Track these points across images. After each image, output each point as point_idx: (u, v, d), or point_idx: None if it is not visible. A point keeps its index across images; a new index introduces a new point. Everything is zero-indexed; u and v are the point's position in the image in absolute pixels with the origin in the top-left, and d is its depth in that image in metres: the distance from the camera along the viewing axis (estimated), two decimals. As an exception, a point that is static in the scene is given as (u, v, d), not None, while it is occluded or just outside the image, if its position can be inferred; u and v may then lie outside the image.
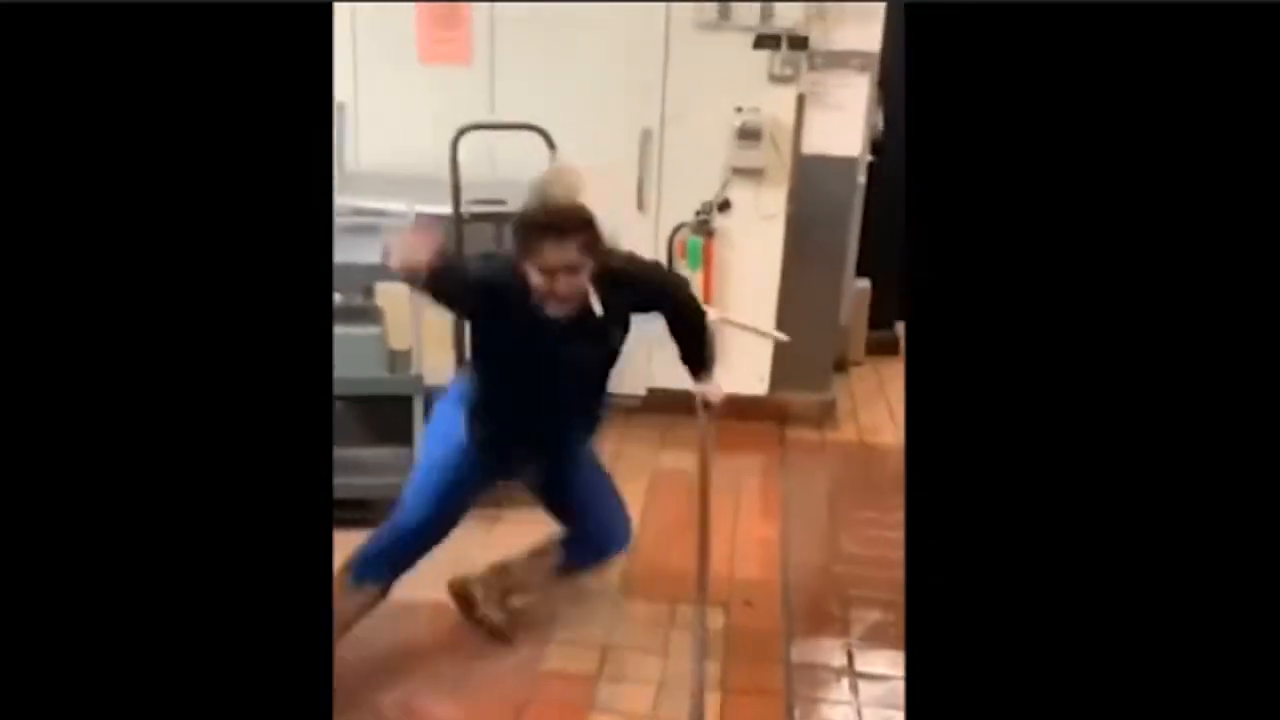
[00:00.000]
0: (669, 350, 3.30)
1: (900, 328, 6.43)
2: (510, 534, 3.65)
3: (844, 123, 4.85)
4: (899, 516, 4.21)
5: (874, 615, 3.52)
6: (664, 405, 4.76)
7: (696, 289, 4.79)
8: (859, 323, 6.04)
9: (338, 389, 3.92)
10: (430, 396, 3.84)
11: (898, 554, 3.86)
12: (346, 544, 3.67)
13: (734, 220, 4.89)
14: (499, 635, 3.22)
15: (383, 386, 3.90)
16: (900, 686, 3.11)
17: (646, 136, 4.86)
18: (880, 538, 4.06)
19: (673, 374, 3.51)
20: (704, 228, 4.87)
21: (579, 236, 2.76)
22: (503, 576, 3.28)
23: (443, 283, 2.78)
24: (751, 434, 4.91)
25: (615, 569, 3.65)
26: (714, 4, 4.59)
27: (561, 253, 2.72)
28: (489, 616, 3.21)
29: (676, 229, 4.90)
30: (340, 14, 4.78)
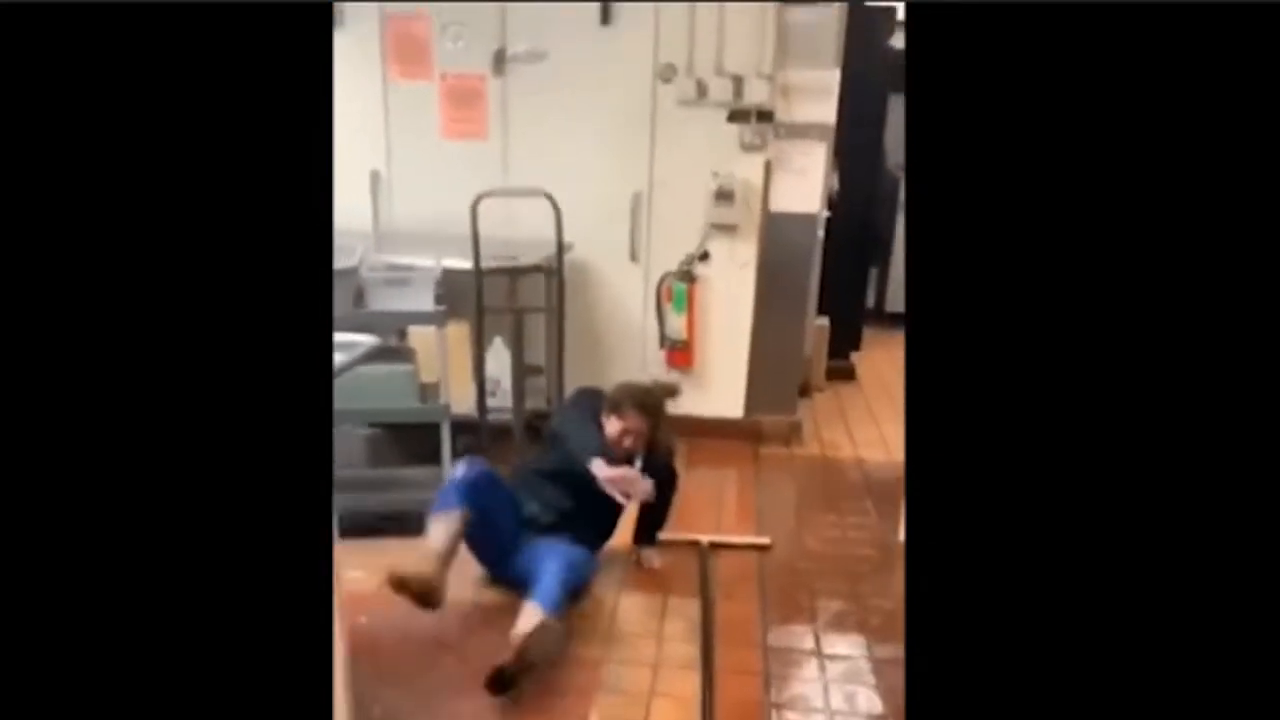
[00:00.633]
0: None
1: (854, 357, 6.47)
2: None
3: (805, 184, 4.87)
4: (856, 519, 4.26)
5: (836, 605, 3.52)
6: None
7: (681, 329, 4.85)
8: (820, 354, 6.04)
9: (375, 417, 3.96)
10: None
11: (856, 551, 3.92)
12: (380, 551, 3.71)
13: (713, 269, 4.90)
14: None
15: (415, 415, 3.91)
16: (861, 665, 3.14)
17: (637, 198, 4.87)
18: (841, 538, 4.09)
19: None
20: (687, 275, 4.88)
21: (653, 417, 3.53)
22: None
23: None
24: (729, 451, 4.93)
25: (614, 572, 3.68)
26: (692, 84, 4.63)
27: (638, 422, 3.48)
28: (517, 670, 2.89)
29: (664, 277, 4.90)
30: (373, 95, 4.85)
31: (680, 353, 4.92)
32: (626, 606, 3.47)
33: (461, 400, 3.99)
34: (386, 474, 4.00)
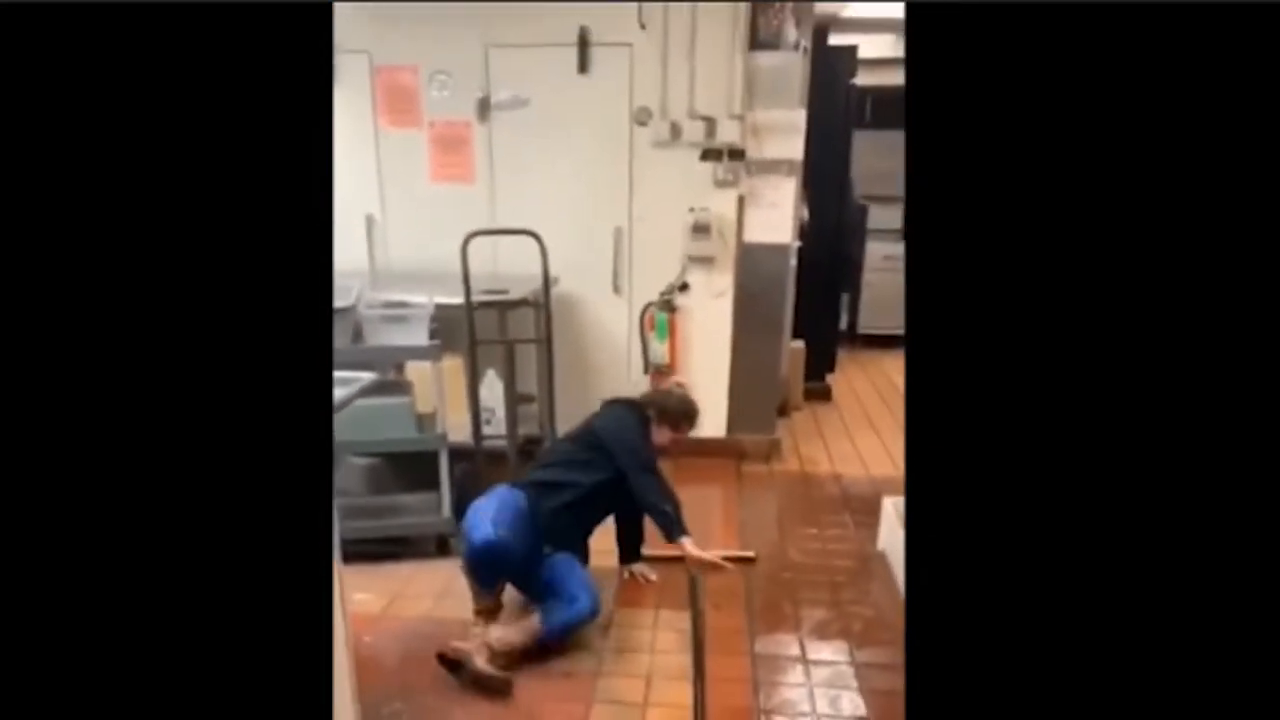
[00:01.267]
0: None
1: (829, 378, 6.49)
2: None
3: (776, 217, 4.90)
4: (835, 531, 4.26)
5: (819, 613, 3.52)
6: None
7: (664, 355, 4.87)
8: (796, 375, 6.07)
9: (376, 448, 3.95)
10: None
11: (835, 562, 3.92)
12: (389, 574, 3.72)
13: (692, 298, 4.94)
14: (497, 687, 2.97)
15: (413, 445, 3.90)
16: (845, 669, 3.13)
17: (619, 234, 4.90)
18: (821, 549, 4.09)
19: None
20: (668, 305, 4.91)
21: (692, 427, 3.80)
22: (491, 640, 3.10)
23: None
24: (714, 468, 4.94)
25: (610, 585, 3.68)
26: (667, 126, 4.67)
27: (683, 433, 3.77)
28: (484, 671, 2.98)
29: (646, 306, 4.93)
30: (366, 143, 4.87)
31: (664, 378, 4.93)
32: (620, 621, 3.47)
33: (458, 429, 3.99)
34: (388, 501, 3.99)
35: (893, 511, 3.86)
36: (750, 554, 3.98)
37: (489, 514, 3.19)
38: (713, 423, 4.98)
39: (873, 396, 6.56)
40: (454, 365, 4.25)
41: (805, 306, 5.85)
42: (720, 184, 4.76)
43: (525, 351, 4.50)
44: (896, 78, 7.68)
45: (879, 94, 7.79)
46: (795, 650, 3.27)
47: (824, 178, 5.86)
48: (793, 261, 5.15)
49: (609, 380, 5.01)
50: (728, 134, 4.68)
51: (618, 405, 3.70)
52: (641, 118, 4.71)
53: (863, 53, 6.29)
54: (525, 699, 2.94)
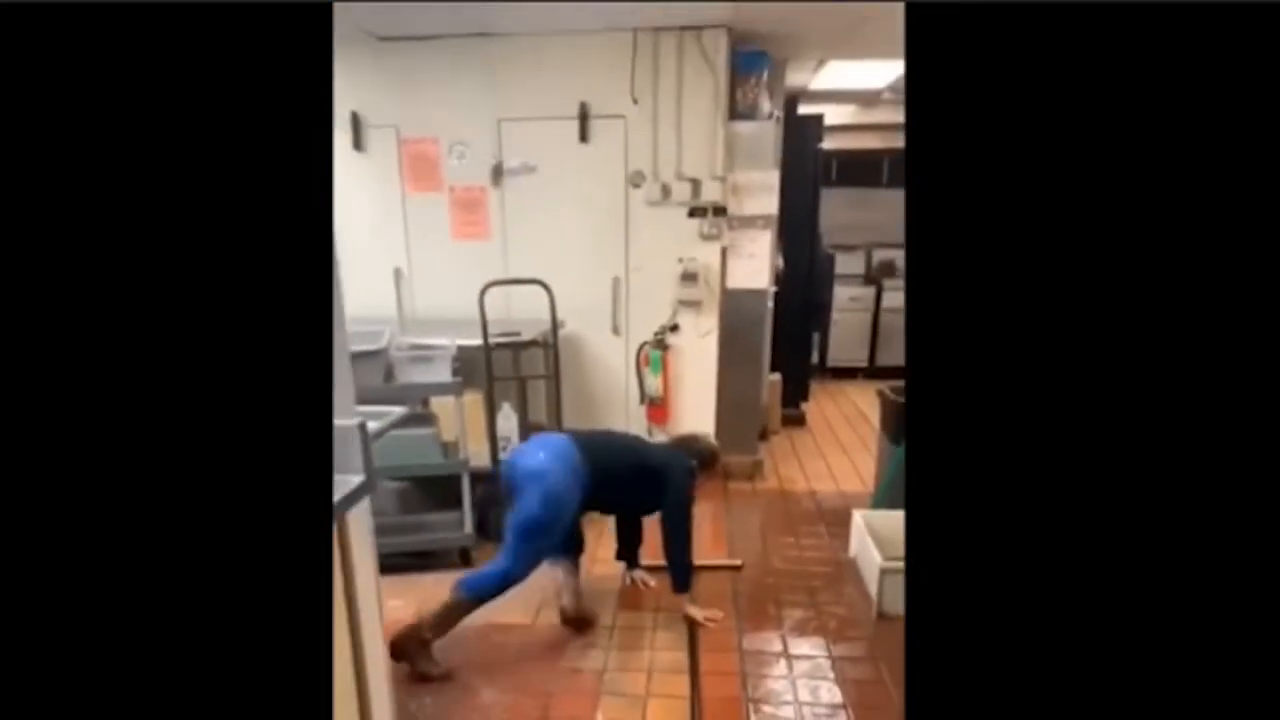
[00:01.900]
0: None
1: (804, 406, 6.51)
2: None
3: (755, 265, 4.95)
4: (811, 541, 4.27)
5: (799, 613, 3.53)
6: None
7: (658, 388, 4.88)
8: (774, 404, 6.08)
9: (406, 472, 3.97)
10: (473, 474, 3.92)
11: (812, 568, 3.94)
12: (419, 584, 3.72)
13: (682, 338, 4.95)
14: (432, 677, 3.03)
15: (438, 469, 3.91)
16: (823, 662, 3.14)
17: (617, 282, 4.93)
18: (799, 556, 4.10)
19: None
20: (661, 344, 4.93)
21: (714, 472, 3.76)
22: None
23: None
24: (703, 486, 4.79)
25: (613, 591, 3.68)
26: (658, 187, 4.72)
27: (705, 478, 3.65)
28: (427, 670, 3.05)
29: (641, 345, 4.95)
30: (394, 206, 4.92)
31: (658, 408, 4.96)
32: (623, 622, 3.48)
33: (478, 455, 4.00)
34: (416, 519, 4.00)
35: (861, 523, 3.87)
36: (738, 562, 3.99)
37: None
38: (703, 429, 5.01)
39: (841, 422, 6.58)
40: (474, 400, 4.26)
41: (781, 343, 5.89)
42: (706, 237, 4.79)
43: (536, 386, 4.53)
44: (858, 141, 7.80)
45: (843, 156, 7.91)
46: (778, 646, 3.28)
47: (796, 230, 5.91)
48: (770, 304, 5.20)
49: (610, 410, 5.04)
50: (711, 193, 4.73)
51: (680, 453, 3.58)
52: (636, 180, 4.76)
53: (828, 120, 6.35)
54: (538, 692, 2.95)
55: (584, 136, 4.73)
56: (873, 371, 7.78)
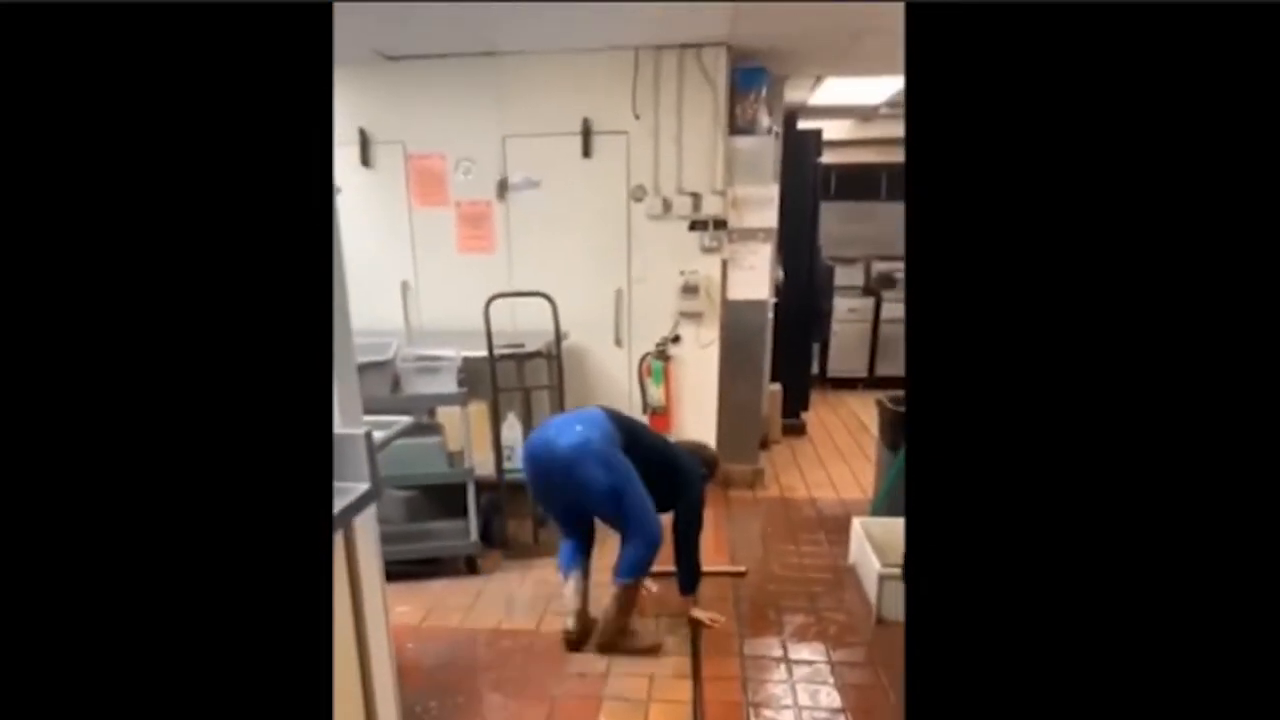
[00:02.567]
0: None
1: (804, 415, 6.52)
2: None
3: (755, 277, 4.96)
4: (811, 548, 4.27)
5: (799, 619, 3.53)
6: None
7: (661, 398, 4.89)
8: (774, 414, 6.09)
9: (412, 481, 3.98)
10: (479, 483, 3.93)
11: (812, 575, 3.94)
12: (425, 590, 3.73)
13: (684, 349, 4.96)
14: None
15: (444, 478, 3.92)
16: (822, 667, 3.14)
17: (619, 294, 4.95)
18: (798, 564, 4.11)
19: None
20: (663, 355, 4.94)
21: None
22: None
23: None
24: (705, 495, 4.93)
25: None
26: (660, 201, 4.74)
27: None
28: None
29: (644, 356, 4.96)
30: (401, 221, 4.95)
31: (660, 417, 4.96)
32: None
33: (483, 464, 4.02)
34: (423, 527, 4.02)
35: (861, 530, 3.88)
36: (742, 569, 4.00)
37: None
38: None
39: (841, 431, 6.59)
40: (479, 409, 4.28)
41: (781, 354, 5.90)
42: (706, 250, 4.81)
43: (540, 397, 4.55)
44: (856, 156, 7.83)
45: (841, 170, 7.94)
46: (779, 651, 3.29)
47: (795, 243, 5.93)
48: (770, 315, 5.21)
49: (613, 420, 5.04)
50: (712, 207, 4.75)
51: (695, 460, 3.55)
52: (637, 194, 4.79)
53: (826, 135, 6.37)
54: (542, 697, 2.96)
55: (587, 152, 4.76)
56: (872, 382, 7.79)
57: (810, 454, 5.97)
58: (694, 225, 4.79)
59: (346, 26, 3.86)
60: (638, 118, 4.66)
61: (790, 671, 3.14)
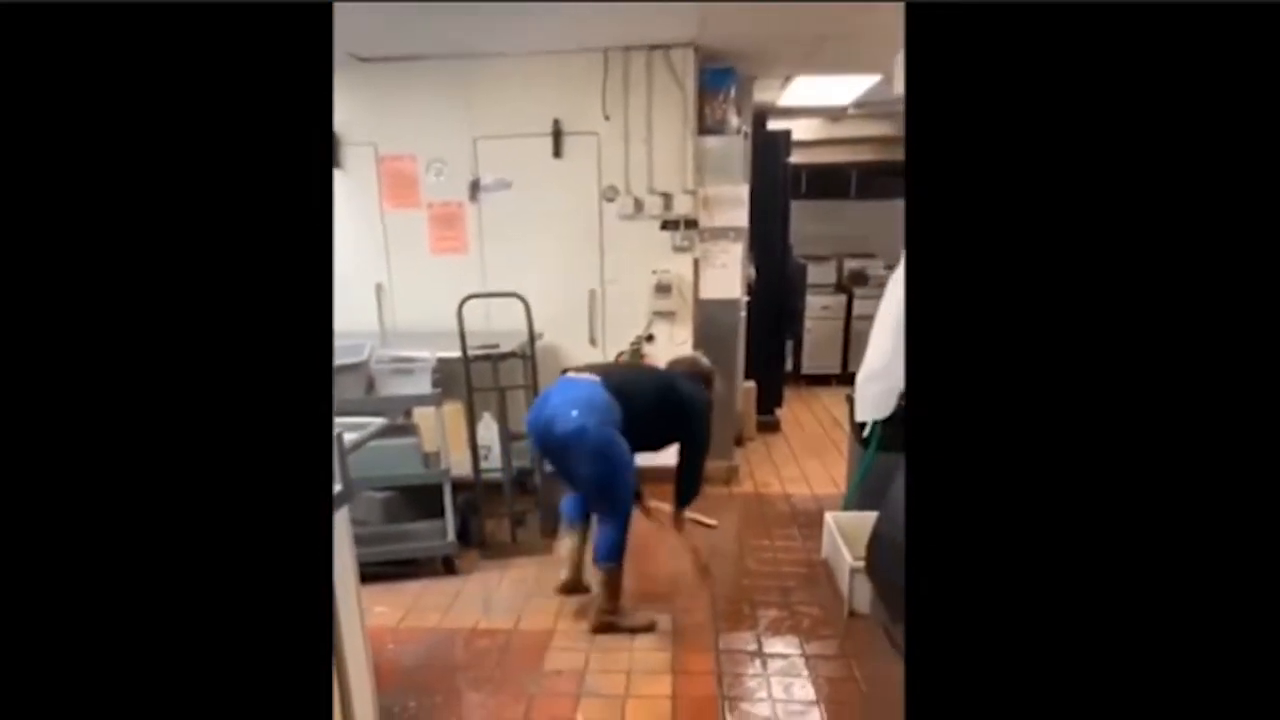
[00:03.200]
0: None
1: (778, 412, 6.54)
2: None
3: (727, 276, 4.99)
4: (785, 543, 4.29)
5: (773, 613, 3.54)
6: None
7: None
8: (749, 411, 6.11)
9: (389, 482, 3.97)
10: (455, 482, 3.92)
11: (786, 570, 3.96)
12: (403, 591, 3.72)
13: (658, 348, 4.96)
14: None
15: (420, 479, 3.91)
16: (796, 661, 3.16)
17: (592, 294, 4.95)
18: (773, 559, 4.12)
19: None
20: (637, 353, 4.94)
21: None
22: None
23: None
24: None
25: (594, 594, 3.69)
26: (631, 201, 4.76)
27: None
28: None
29: (618, 355, 4.96)
30: (373, 223, 4.93)
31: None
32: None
33: (459, 464, 4.01)
34: (400, 528, 4.00)
35: (833, 525, 3.90)
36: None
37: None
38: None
39: (815, 427, 6.62)
40: (454, 410, 4.28)
41: (755, 351, 5.91)
42: (678, 249, 4.83)
43: (515, 396, 4.53)
44: (826, 156, 7.86)
45: (811, 169, 7.97)
46: (753, 645, 3.30)
47: (767, 241, 5.95)
48: (743, 314, 5.22)
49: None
50: (683, 207, 4.77)
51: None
52: (609, 194, 4.80)
53: (796, 135, 6.40)
54: (519, 694, 2.95)
55: (558, 152, 4.76)
56: (845, 378, 7.82)
57: (784, 450, 6.00)
58: (665, 225, 4.80)
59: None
60: (608, 118, 4.67)
61: (765, 665, 3.15)
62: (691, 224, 4.79)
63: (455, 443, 4.06)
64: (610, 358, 4.97)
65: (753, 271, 5.66)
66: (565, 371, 3.59)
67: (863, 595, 3.45)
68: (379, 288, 5.07)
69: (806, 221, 7.73)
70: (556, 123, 4.71)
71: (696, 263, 4.88)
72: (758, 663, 3.17)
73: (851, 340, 7.87)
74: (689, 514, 3.85)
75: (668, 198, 4.76)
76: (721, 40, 4.50)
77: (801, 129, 7.07)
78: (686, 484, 3.67)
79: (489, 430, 4.40)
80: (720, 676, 3.07)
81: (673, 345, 4.92)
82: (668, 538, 4.03)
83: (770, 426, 6.43)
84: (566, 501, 3.78)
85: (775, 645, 3.30)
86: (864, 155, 7.75)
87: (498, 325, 4.61)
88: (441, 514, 3.92)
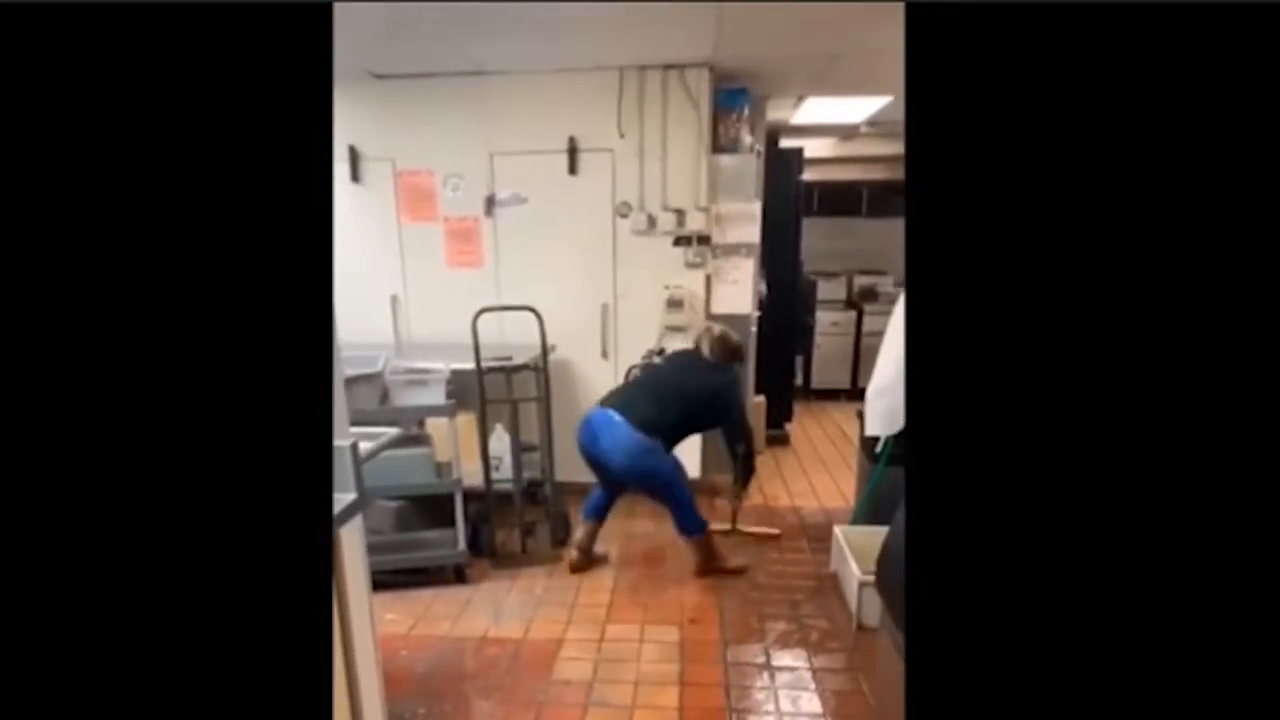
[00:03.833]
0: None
1: (788, 426, 6.53)
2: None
3: (738, 291, 4.99)
4: (794, 556, 4.28)
5: (781, 626, 3.54)
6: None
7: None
8: (759, 424, 6.07)
9: (401, 491, 3.98)
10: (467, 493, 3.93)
11: (795, 582, 3.95)
12: (414, 599, 3.73)
13: (668, 361, 4.96)
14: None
15: (433, 488, 3.92)
16: (804, 674, 3.15)
17: (605, 309, 4.98)
18: (782, 571, 4.11)
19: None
20: (649, 367, 4.94)
21: None
22: None
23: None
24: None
25: (603, 605, 3.69)
26: (645, 217, 4.78)
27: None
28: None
29: (630, 369, 4.95)
30: (390, 236, 4.96)
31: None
32: (611, 635, 3.48)
33: (471, 475, 4.02)
34: (412, 537, 4.01)
35: (841, 538, 3.89)
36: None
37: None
38: (689, 465, 5.00)
39: (824, 441, 6.60)
40: (467, 421, 4.29)
41: (765, 366, 5.92)
42: (690, 265, 4.85)
43: (527, 409, 4.54)
44: (838, 173, 7.88)
45: (823, 187, 7.98)
46: (761, 658, 3.29)
47: (778, 258, 5.96)
48: (753, 329, 5.23)
49: (599, 432, 5.04)
50: (696, 223, 4.79)
51: (733, 373, 4.12)
52: (623, 210, 4.82)
53: (808, 153, 6.42)
54: (528, 703, 2.96)
55: (573, 169, 4.79)
56: (855, 393, 7.80)
57: (794, 464, 5.99)
58: (678, 241, 4.82)
59: (337, 45, 3.88)
60: (623, 136, 4.70)
61: (773, 678, 3.15)
62: (704, 240, 4.80)
63: (467, 453, 4.07)
64: (623, 370, 4.99)
65: (764, 287, 5.67)
66: (601, 403, 3.96)
67: (871, 608, 3.44)
68: (395, 300, 5.10)
69: (818, 238, 7.74)
70: (572, 140, 4.74)
71: (708, 278, 4.89)
72: (765, 675, 3.17)
73: (861, 356, 7.85)
74: (750, 528, 4.50)
75: (681, 214, 4.77)
76: (736, 60, 4.52)
77: (814, 147, 7.10)
78: (740, 465, 4.18)
79: (501, 441, 4.41)
80: (728, 688, 3.07)
81: (684, 359, 4.91)
82: (680, 553, 4.03)
83: (780, 440, 6.42)
84: (592, 497, 4.18)
85: (783, 658, 3.29)
86: (875, 173, 7.78)
87: (511, 338, 4.63)
88: (453, 523, 3.93)
